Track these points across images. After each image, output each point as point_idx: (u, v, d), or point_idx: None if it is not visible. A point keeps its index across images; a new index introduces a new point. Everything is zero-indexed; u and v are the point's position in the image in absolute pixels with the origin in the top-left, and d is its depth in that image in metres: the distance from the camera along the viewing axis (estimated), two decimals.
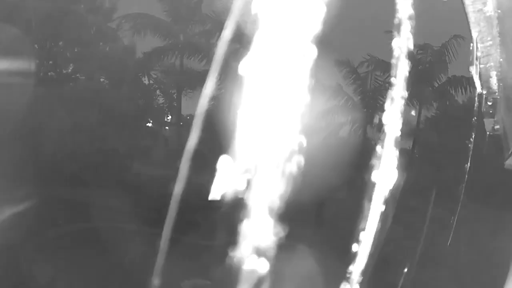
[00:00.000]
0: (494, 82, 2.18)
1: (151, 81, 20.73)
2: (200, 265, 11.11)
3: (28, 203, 10.12)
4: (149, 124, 21.48)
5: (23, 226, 9.48)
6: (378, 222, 1.41)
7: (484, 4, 1.67)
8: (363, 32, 21.34)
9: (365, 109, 19.87)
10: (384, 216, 1.43)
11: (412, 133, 20.13)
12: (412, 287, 11.57)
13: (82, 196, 13.56)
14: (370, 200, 1.46)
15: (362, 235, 1.45)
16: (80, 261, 10.15)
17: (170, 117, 21.90)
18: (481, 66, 2.06)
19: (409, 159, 19.93)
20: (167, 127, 22.68)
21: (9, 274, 8.48)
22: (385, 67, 19.61)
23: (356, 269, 1.42)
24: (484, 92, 2.30)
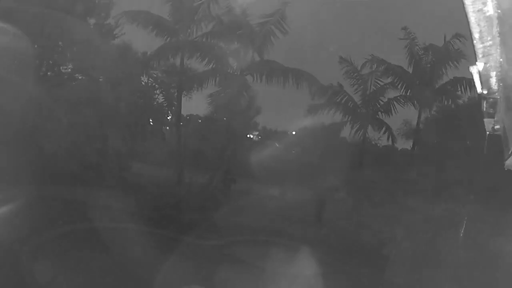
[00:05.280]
0: (494, 82, 2.18)
1: (151, 81, 20.75)
2: (198, 266, 11.12)
3: (26, 203, 10.13)
4: (149, 124, 21.49)
5: (21, 225, 9.49)
6: None
7: (484, 4, 1.68)
8: (366, 32, 21.37)
9: (365, 109, 19.90)
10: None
11: (412, 133, 20.17)
12: (412, 287, 11.57)
13: (82, 196, 13.58)
14: None
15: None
16: (78, 262, 10.16)
17: (170, 117, 21.92)
18: (481, 66, 2.06)
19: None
20: (167, 127, 22.70)
21: (7, 274, 8.49)
22: (387, 67, 19.67)
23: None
24: (484, 92, 2.30)
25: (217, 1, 19.06)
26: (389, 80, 19.83)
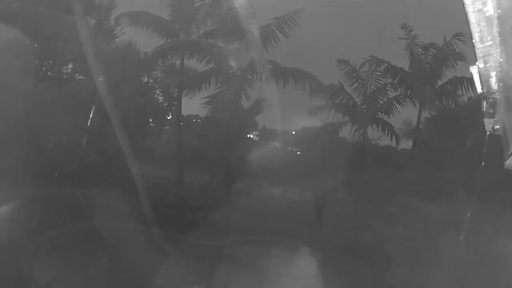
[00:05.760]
0: (494, 82, 2.18)
1: (151, 81, 20.77)
2: (198, 266, 11.13)
3: (26, 203, 10.13)
4: (149, 124, 21.51)
5: (21, 225, 9.48)
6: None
7: (484, 4, 1.68)
8: (366, 32, 21.39)
9: (365, 109, 19.92)
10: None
11: (412, 133, 20.19)
12: (412, 287, 11.58)
13: (82, 196, 13.58)
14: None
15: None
16: (79, 262, 10.16)
17: (170, 117, 21.94)
18: (481, 66, 2.06)
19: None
20: (167, 127, 22.72)
21: (7, 274, 8.49)
22: (387, 67, 19.69)
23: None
24: (484, 92, 2.31)
25: (218, 1, 19.08)
26: (389, 80, 19.88)
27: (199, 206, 15.47)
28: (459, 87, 18.95)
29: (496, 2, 1.66)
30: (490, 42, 1.87)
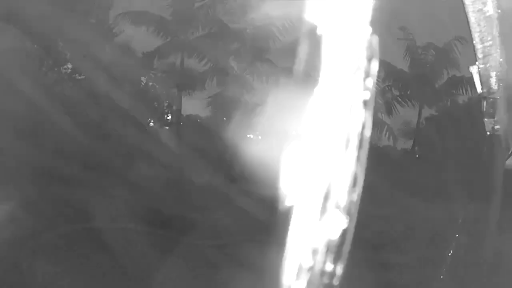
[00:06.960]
0: (494, 82, 2.18)
1: (151, 81, 20.75)
2: (198, 266, 11.13)
3: (26, 203, 10.13)
4: (149, 124, 21.49)
5: (21, 225, 9.48)
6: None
7: (484, 4, 1.67)
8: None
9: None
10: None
11: (412, 133, 20.19)
12: (412, 287, 11.58)
13: (82, 196, 13.56)
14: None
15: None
16: (79, 262, 10.15)
17: (170, 117, 21.93)
18: (481, 66, 2.06)
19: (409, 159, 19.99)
20: (167, 127, 22.70)
21: (7, 274, 8.50)
22: (386, 67, 19.68)
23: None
24: (484, 92, 2.31)
25: (219, 1, 19.11)
26: (388, 80, 19.89)
27: (199, 206, 15.45)
28: (459, 87, 18.97)
29: (496, 2, 1.66)
30: (490, 42, 1.87)
